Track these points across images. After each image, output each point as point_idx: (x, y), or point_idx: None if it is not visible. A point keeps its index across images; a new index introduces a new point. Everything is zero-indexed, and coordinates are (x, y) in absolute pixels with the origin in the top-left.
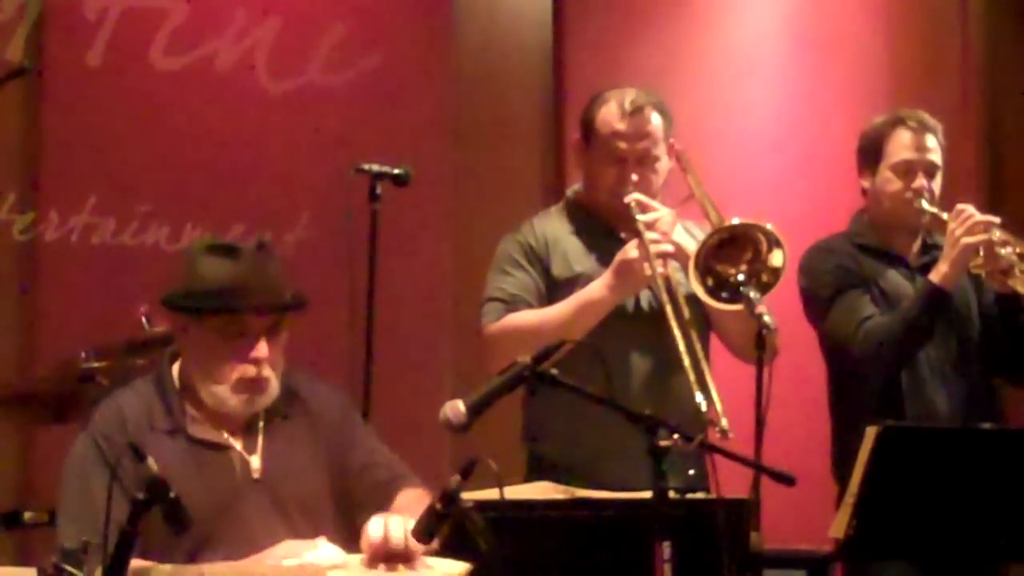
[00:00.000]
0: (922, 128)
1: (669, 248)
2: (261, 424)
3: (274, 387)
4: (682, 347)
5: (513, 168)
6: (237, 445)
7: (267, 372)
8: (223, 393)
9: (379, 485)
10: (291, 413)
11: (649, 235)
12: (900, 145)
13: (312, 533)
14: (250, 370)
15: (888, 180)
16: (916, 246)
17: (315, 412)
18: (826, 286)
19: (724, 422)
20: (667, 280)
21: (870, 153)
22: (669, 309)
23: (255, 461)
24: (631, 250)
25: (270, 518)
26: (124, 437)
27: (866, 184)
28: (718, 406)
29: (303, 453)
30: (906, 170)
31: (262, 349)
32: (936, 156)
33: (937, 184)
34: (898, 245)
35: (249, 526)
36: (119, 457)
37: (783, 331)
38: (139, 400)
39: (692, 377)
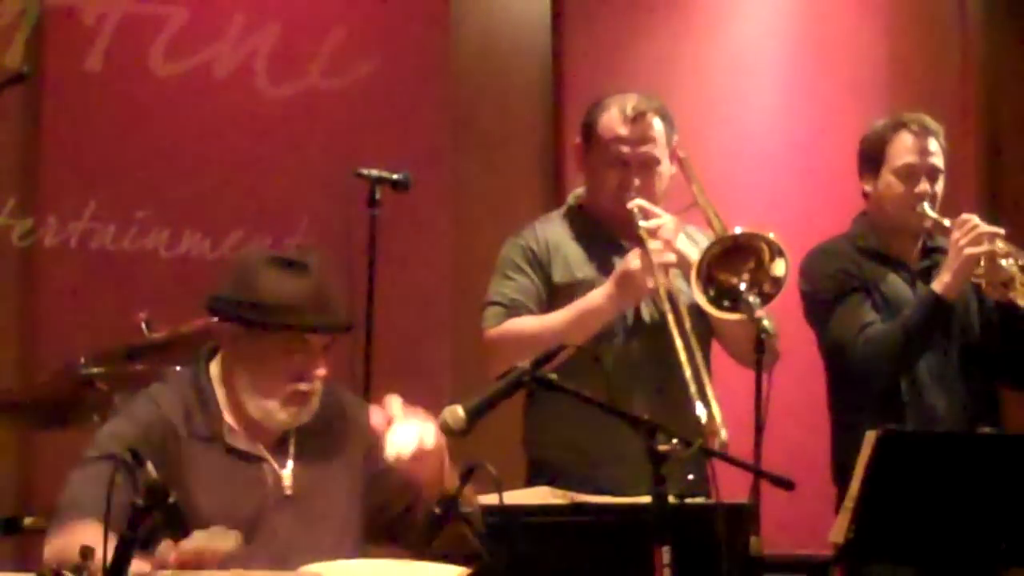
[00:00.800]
0: (924, 132)
1: (672, 258)
2: (292, 438)
3: (315, 402)
4: (683, 358)
5: (512, 173)
6: (270, 458)
7: (318, 387)
8: (272, 407)
9: (402, 502)
10: (323, 429)
11: (652, 244)
12: (902, 149)
13: (337, 551)
14: (303, 386)
15: (890, 184)
16: (917, 249)
17: (347, 430)
18: (827, 291)
19: (723, 434)
20: (669, 292)
21: (872, 157)
22: (671, 319)
23: (287, 476)
24: (632, 260)
25: (297, 534)
26: (160, 439)
27: (868, 188)
28: (717, 418)
29: (334, 470)
30: (908, 174)
31: (322, 369)
32: (938, 160)
33: (939, 188)
34: (899, 249)
35: (276, 541)
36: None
37: (783, 336)
38: (177, 402)
39: (693, 388)
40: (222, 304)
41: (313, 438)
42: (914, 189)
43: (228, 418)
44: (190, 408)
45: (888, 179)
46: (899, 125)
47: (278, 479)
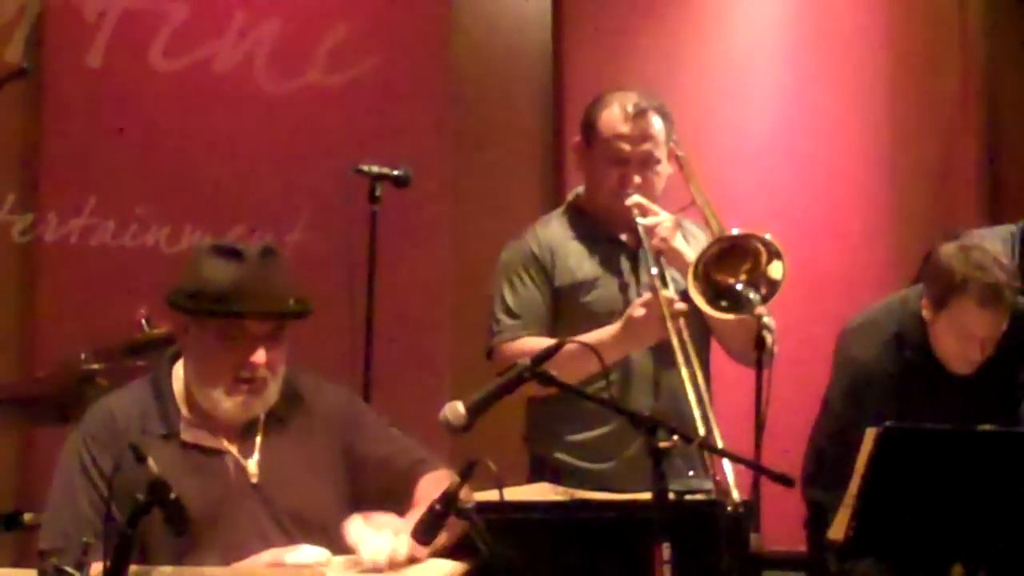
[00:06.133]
0: (991, 300)
1: (683, 307)
2: (260, 428)
3: (272, 392)
4: (694, 406)
5: (512, 169)
6: (233, 450)
7: (263, 374)
8: (217, 396)
9: (399, 476)
10: (292, 417)
11: (664, 293)
12: (964, 315)
13: (305, 542)
14: (245, 373)
15: (945, 335)
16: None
17: (319, 415)
18: (831, 402)
19: (735, 494)
20: (681, 339)
21: (937, 293)
22: (684, 372)
23: (252, 466)
24: (638, 309)
25: (263, 525)
26: (113, 440)
27: (926, 314)
28: (730, 478)
29: (302, 460)
30: (965, 337)
31: (260, 355)
32: (1004, 321)
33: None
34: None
35: (241, 532)
36: (98, 460)
37: (783, 332)
38: (133, 402)
39: (698, 422)
40: (172, 295)
41: (281, 427)
42: (966, 352)
43: (187, 414)
44: (147, 408)
45: (944, 328)
46: (969, 283)
47: (242, 470)
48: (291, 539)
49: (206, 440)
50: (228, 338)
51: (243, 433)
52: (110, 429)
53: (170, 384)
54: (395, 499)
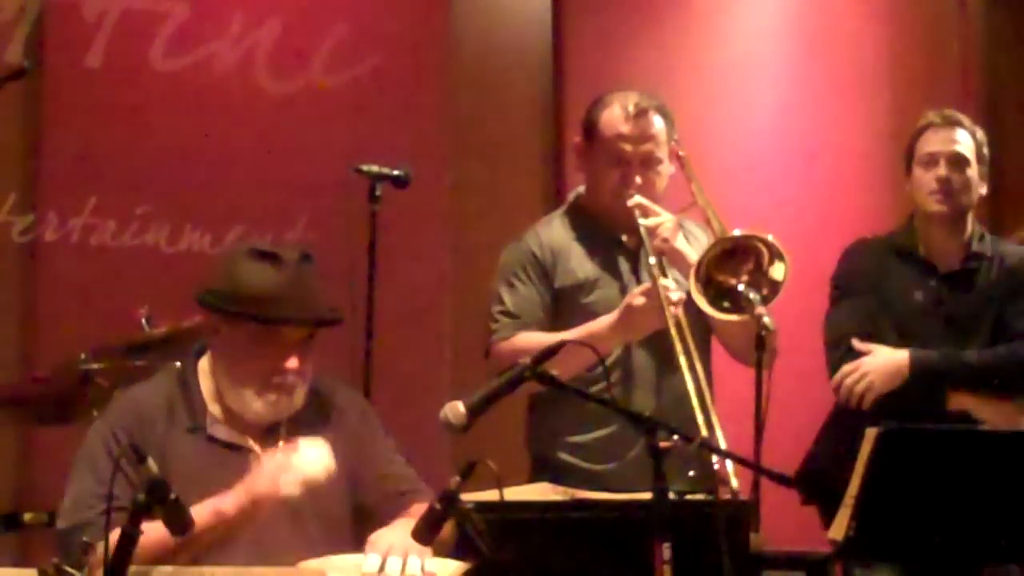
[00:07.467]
0: (947, 123)
1: (682, 296)
2: (283, 429)
3: (300, 396)
4: (693, 395)
5: (513, 169)
6: (257, 448)
7: (293, 380)
8: (248, 396)
9: (392, 496)
10: (313, 421)
11: (663, 282)
12: (925, 141)
13: (324, 542)
14: (277, 379)
15: (916, 176)
16: (959, 253)
17: (337, 420)
18: (835, 288)
19: (735, 483)
20: (679, 327)
21: (907, 156)
22: (683, 360)
23: None
24: (637, 297)
25: (283, 523)
26: (140, 430)
27: (907, 187)
28: (729, 466)
29: None
30: (929, 161)
31: (293, 362)
32: (964, 148)
33: (971, 175)
34: (937, 248)
35: (262, 529)
36: (127, 451)
37: (784, 333)
38: (160, 395)
39: (700, 419)
40: (205, 294)
41: (304, 430)
42: (936, 178)
43: (213, 410)
44: (174, 401)
45: (915, 172)
46: (926, 125)
47: None
48: (310, 538)
49: (232, 436)
50: (263, 343)
51: (267, 432)
52: (138, 419)
53: (196, 379)
54: (383, 517)
